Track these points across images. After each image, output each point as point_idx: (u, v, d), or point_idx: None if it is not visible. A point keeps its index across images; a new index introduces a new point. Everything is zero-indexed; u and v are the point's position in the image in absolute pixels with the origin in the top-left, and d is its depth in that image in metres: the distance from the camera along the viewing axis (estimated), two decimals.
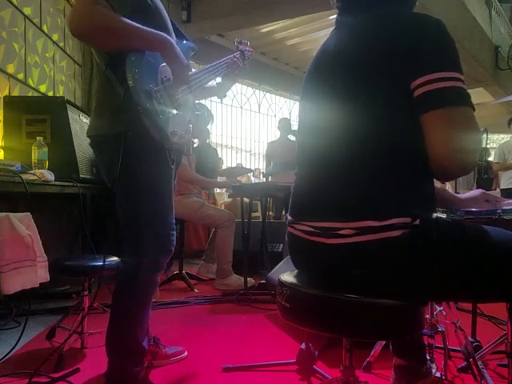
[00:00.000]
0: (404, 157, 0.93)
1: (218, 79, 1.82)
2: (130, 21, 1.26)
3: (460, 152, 0.88)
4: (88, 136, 1.48)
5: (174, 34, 1.51)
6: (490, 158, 5.82)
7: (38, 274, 1.59)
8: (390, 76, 0.91)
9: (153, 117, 1.29)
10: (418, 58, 0.89)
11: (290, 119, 5.87)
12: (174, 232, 1.51)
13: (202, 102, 6.07)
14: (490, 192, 1.30)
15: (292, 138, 5.34)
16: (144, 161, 1.38)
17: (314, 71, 1.09)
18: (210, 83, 1.76)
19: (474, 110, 0.89)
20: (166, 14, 1.49)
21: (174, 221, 1.52)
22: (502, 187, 5.25)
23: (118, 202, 1.45)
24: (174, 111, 1.40)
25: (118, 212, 1.45)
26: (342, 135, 0.97)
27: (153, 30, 1.31)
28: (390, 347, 1.38)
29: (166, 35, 1.35)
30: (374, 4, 1.02)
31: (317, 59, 1.10)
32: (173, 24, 1.54)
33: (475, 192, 1.28)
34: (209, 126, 3.88)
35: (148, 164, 1.39)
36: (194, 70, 1.60)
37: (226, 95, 1.87)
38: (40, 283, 1.73)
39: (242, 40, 1.90)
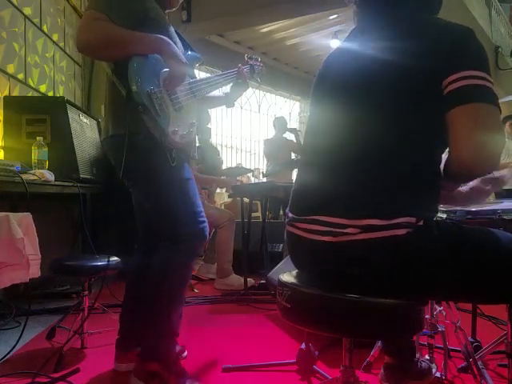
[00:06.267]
0: (415, 158, 0.93)
1: (226, 89, 1.89)
2: (126, 30, 1.35)
3: (484, 147, 0.87)
4: (101, 141, 1.58)
5: (180, 44, 1.59)
6: None
7: (30, 270, 1.59)
8: (419, 80, 0.91)
9: (152, 116, 1.36)
10: (453, 59, 0.89)
11: (285, 118, 5.73)
12: (205, 219, 1.58)
13: None
14: None
15: (289, 136, 5.23)
16: (159, 158, 1.46)
17: (334, 72, 1.08)
18: (217, 93, 1.84)
19: (500, 111, 0.89)
20: (172, 29, 1.57)
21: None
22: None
23: (144, 202, 1.54)
24: (174, 111, 1.47)
25: (145, 212, 1.55)
26: (355, 135, 0.98)
27: (150, 34, 1.40)
28: (381, 346, 1.37)
29: (162, 36, 1.42)
30: (398, 7, 1.02)
31: (336, 60, 1.10)
32: (181, 37, 1.62)
33: (473, 182, 1.25)
34: (209, 125, 3.88)
35: (162, 160, 1.46)
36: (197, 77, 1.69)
37: (233, 104, 1.94)
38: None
39: (253, 56, 2.01)
